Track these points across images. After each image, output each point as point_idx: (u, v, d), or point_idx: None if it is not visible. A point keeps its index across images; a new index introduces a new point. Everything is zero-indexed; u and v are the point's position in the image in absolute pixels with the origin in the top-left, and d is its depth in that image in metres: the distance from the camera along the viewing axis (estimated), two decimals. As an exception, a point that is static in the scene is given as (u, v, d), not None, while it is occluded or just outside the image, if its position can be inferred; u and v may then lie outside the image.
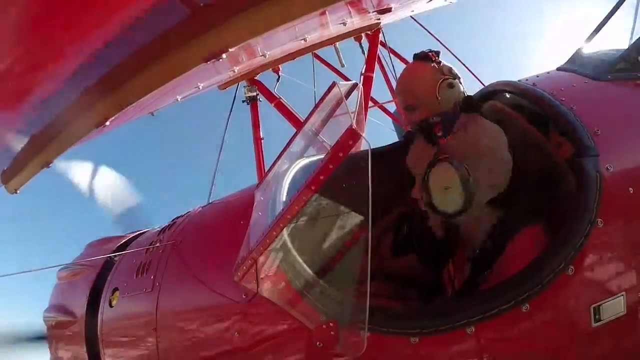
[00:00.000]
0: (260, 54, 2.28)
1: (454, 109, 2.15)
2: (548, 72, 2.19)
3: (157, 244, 2.41)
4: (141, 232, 3.07)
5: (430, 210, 1.71)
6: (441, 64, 2.11)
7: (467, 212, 1.65)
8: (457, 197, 1.62)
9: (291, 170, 2.04)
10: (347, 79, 4.32)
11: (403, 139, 2.91)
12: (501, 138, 1.72)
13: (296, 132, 2.37)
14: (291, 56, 2.79)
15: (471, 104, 1.87)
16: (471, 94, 2.20)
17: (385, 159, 2.74)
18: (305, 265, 1.74)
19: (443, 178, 1.64)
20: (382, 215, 2.54)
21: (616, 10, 2.20)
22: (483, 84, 2.68)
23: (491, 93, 2.21)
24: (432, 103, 2.17)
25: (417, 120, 2.04)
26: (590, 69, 1.99)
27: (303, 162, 2.10)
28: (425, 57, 2.16)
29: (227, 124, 4.03)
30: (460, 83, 2.10)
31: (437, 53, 2.17)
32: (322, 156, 1.46)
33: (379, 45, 4.14)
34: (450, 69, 2.11)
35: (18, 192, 1.67)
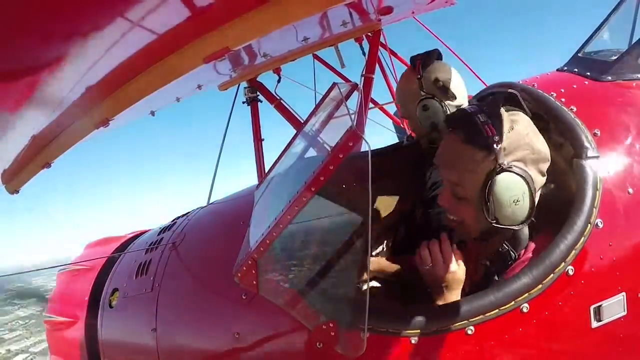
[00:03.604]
0: (261, 55, 2.29)
1: (429, 130, 2.17)
2: (548, 73, 2.19)
3: (157, 245, 2.41)
4: (141, 232, 3.07)
5: (487, 225, 1.54)
6: (422, 78, 2.13)
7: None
8: (525, 209, 1.49)
9: (291, 171, 2.04)
10: (347, 80, 4.33)
11: (407, 141, 2.92)
12: (539, 132, 1.57)
13: (296, 133, 2.37)
14: (292, 57, 2.78)
15: (508, 100, 1.64)
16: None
17: (386, 159, 2.75)
18: (305, 266, 1.74)
19: (514, 190, 1.48)
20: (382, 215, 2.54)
21: (616, 10, 2.20)
22: (485, 84, 2.68)
23: (492, 94, 2.21)
24: (416, 120, 2.23)
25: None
26: (591, 69, 1.99)
27: (303, 162, 2.10)
28: (413, 67, 2.19)
29: (227, 124, 4.03)
30: (446, 93, 2.10)
31: (428, 57, 2.18)
32: (322, 157, 1.46)
33: (380, 47, 4.15)
34: (434, 81, 2.12)
35: (18, 192, 1.67)
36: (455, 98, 2.13)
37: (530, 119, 1.59)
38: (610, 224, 1.53)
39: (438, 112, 2.10)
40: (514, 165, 1.48)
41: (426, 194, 2.27)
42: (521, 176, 1.47)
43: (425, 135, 2.22)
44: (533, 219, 1.53)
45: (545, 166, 1.54)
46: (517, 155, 1.49)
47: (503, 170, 1.47)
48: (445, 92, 2.11)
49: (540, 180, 1.53)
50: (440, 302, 1.59)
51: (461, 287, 1.62)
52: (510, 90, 1.63)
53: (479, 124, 1.50)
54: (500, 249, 1.65)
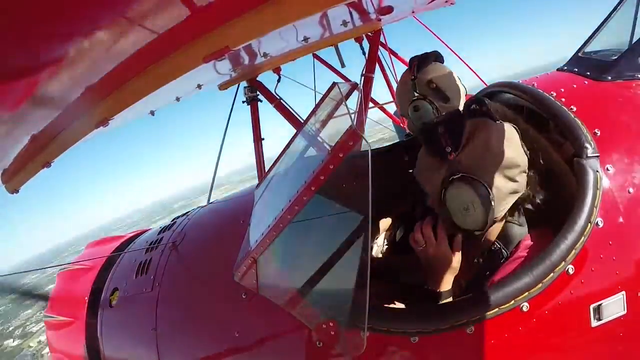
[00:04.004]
0: (261, 55, 2.29)
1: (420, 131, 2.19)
2: (548, 73, 2.19)
3: (157, 244, 2.41)
4: (141, 231, 3.08)
5: (453, 228, 1.60)
6: (416, 79, 2.15)
7: (491, 226, 1.58)
8: (479, 217, 1.53)
9: (291, 171, 2.04)
10: (347, 80, 4.33)
11: (406, 140, 2.92)
12: (514, 137, 1.60)
13: (296, 132, 2.37)
14: (292, 57, 2.79)
15: (474, 111, 1.68)
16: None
17: (386, 158, 2.75)
18: (305, 265, 1.74)
19: (461, 200, 1.53)
20: (382, 215, 2.54)
21: (616, 10, 2.20)
22: (485, 84, 2.68)
23: (491, 93, 2.21)
24: (410, 120, 2.25)
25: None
26: (591, 69, 1.99)
27: (303, 162, 2.10)
28: (409, 68, 2.21)
29: (227, 124, 4.04)
30: (439, 95, 2.11)
31: (425, 58, 2.19)
32: (322, 156, 1.46)
33: (380, 46, 4.15)
34: (428, 82, 2.13)
35: (18, 191, 1.67)
36: (449, 100, 2.13)
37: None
38: (611, 223, 1.53)
39: (428, 113, 2.11)
40: (466, 175, 1.52)
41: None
42: (471, 185, 1.50)
43: (418, 136, 2.24)
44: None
45: (513, 172, 1.55)
46: (476, 164, 1.53)
47: (453, 180, 1.53)
48: (437, 94, 2.12)
49: (510, 187, 1.56)
50: (433, 287, 1.64)
51: (454, 274, 1.66)
52: (478, 98, 1.67)
53: (439, 134, 1.56)
54: (492, 247, 1.67)
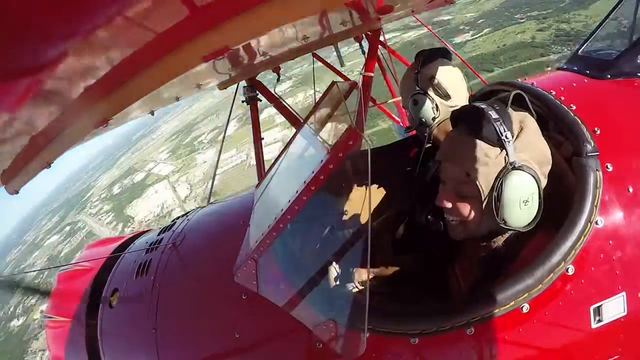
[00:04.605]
0: (260, 54, 2.28)
1: (417, 125, 2.20)
2: (548, 72, 2.19)
3: (157, 245, 2.41)
4: (141, 232, 3.07)
5: (491, 221, 1.51)
6: (419, 73, 2.15)
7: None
8: (533, 212, 1.48)
9: (291, 171, 2.04)
10: (347, 79, 4.32)
11: (405, 139, 2.92)
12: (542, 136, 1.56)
13: (296, 132, 2.37)
14: (292, 56, 2.78)
15: (515, 102, 1.59)
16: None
17: (386, 158, 2.75)
18: (305, 265, 1.74)
19: (524, 190, 1.45)
20: (381, 213, 2.54)
21: (616, 10, 2.20)
22: (485, 83, 2.68)
23: (491, 92, 2.21)
24: (409, 114, 2.26)
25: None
26: (590, 68, 1.99)
27: (303, 162, 2.10)
28: (415, 61, 2.21)
29: (227, 124, 4.03)
30: (439, 91, 2.11)
31: (431, 54, 2.19)
32: (322, 156, 1.46)
33: (379, 46, 4.15)
34: (430, 78, 2.13)
35: (18, 192, 1.67)
36: (450, 98, 2.13)
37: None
38: (611, 223, 1.53)
39: (427, 108, 2.11)
40: (525, 165, 1.46)
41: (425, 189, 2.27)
42: (532, 176, 1.45)
43: (416, 129, 2.25)
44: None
45: (547, 169, 1.54)
46: (526, 155, 1.48)
47: (515, 168, 1.45)
48: (439, 90, 2.12)
49: (543, 183, 1.53)
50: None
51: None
52: (517, 90, 1.60)
53: (491, 120, 1.48)
54: (496, 248, 1.65)
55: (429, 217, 1.90)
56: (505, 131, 1.46)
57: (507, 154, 1.46)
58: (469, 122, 1.54)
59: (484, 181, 1.51)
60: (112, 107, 1.22)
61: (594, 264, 1.50)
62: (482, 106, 1.53)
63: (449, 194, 1.61)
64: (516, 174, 1.45)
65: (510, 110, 1.53)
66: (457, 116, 1.63)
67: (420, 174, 2.35)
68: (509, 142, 1.46)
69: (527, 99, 1.59)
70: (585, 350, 1.55)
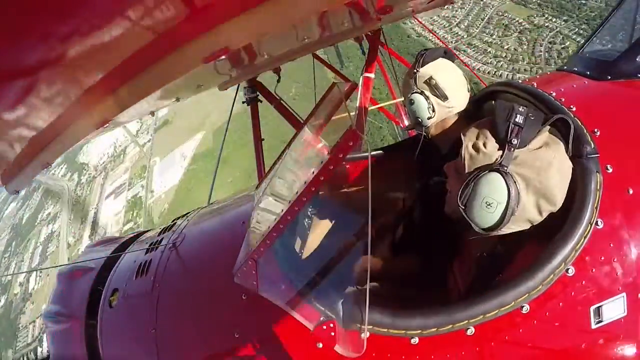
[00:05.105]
0: (261, 55, 2.28)
1: (413, 124, 2.22)
2: (548, 73, 2.19)
3: (157, 245, 2.41)
4: (141, 232, 3.08)
5: (459, 212, 1.55)
6: (417, 74, 2.15)
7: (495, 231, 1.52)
8: (492, 219, 1.49)
9: (291, 171, 2.04)
10: (347, 80, 4.33)
11: (406, 140, 2.92)
12: (567, 178, 1.52)
13: (296, 132, 2.37)
14: (292, 57, 2.78)
15: (556, 126, 1.57)
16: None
17: (384, 158, 2.75)
18: (305, 266, 1.74)
19: (492, 193, 1.47)
20: (381, 214, 2.54)
21: (616, 10, 2.20)
22: (484, 84, 2.68)
23: (491, 93, 2.21)
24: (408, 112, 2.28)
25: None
26: (590, 69, 1.99)
27: (303, 162, 2.10)
28: (415, 60, 2.22)
29: (227, 124, 4.04)
30: (436, 92, 2.11)
31: (431, 53, 2.19)
32: (322, 156, 1.46)
33: (380, 46, 4.15)
34: (428, 78, 2.13)
35: (18, 192, 1.67)
36: (447, 99, 2.13)
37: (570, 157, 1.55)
38: (611, 224, 1.53)
39: (423, 108, 2.11)
40: (512, 175, 1.47)
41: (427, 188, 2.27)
42: (509, 188, 1.45)
43: (413, 128, 2.26)
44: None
45: (546, 206, 1.49)
46: (526, 172, 1.48)
47: (499, 171, 1.48)
48: (436, 91, 2.12)
49: (532, 215, 1.50)
50: None
51: None
52: (563, 117, 1.58)
53: (511, 122, 1.50)
54: (494, 248, 1.66)
55: (435, 179, 1.93)
56: (515, 137, 1.48)
57: (502, 155, 1.49)
58: (498, 109, 1.56)
59: (469, 163, 1.56)
60: (112, 107, 1.23)
61: (594, 265, 1.50)
62: (519, 108, 1.54)
63: (453, 162, 1.67)
64: (495, 175, 1.48)
65: (543, 127, 1.53)
66: (498, 105, 1.65)
67: (420, 174, 2.35)
68: (512, 147, 1.48)
69: (572, 132, 1.56)
70: (585, 350, 1.55)
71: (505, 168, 1.47)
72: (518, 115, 1.51)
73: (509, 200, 1.46)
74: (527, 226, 1.54)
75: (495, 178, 1.47)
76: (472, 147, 1.56)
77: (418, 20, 4.53)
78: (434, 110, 2.11)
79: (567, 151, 1.54)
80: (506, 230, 1.52)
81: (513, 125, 1.49)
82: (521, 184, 1.47)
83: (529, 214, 1.50)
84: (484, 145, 1.53)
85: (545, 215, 1.52)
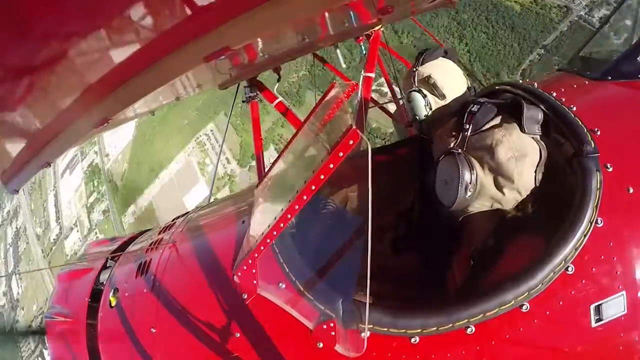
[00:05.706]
0: (261, 54, 2.28)
1: (411, 122, 2.25)
2: (549, 73, 2.20)
3: (157, 244, 2.41)
4: (141, 232, 3.08)
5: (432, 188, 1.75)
6: (416, 72, 2.17)
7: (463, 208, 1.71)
8: (450, 195, 1.66)
9: (291, 170, 2.04)
10: (347, 80, 4.32)
11: (406, 139, 2.92)
12: (529, 157, 1.65)
13: (296, 132, 2.37)
14: (292, 57, 2.78)
15: (509, 107, 1.75)
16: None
17: (385, 157, 2.75)
18: (305, 265, 1.74)
19: (446, 172, 1.66)
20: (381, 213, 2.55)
21: (616, 10, 2.20)
22: (484, 85, 2.68)
23: (492, 93, 2.21)
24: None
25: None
26: (591, 69, 1.99)
27: (303, 161, 2.10)
28: (415, 59, 2.22)
29: (227, 124, 4.03)
30: (434, 90, 2.13)
31: (431, 52, 2.20)
32: (322, 156, 1.46)
33: (380, 46, 4.15)
34: (427, 77, 2.14)
35: (18, 192, 1.67)
36: (445, 98, 2.13)
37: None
38: (611, 223, 1.53)
39: (420, 106, 2.12)
40: (464, 155, 1.66)
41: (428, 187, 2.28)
42: (461, 166, 1.64)
43: (412, 125, 2.28)
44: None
45: (506, 183, 1.64)
46: (477, 152, 1.67)
47: (450, 152, 1.69)
48: (434, 90, 2.12)
49: (493, 192, 1.67)
50: None
51: None
52: (514, 100, 1.75)
53: (468, 111, 1.74)
54: (487, 244, 1.71)
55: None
56: (469, 122, 1.72)
57: (456, 139, 1.74)
58: (459, 102, 1.82)
59: (438, 153, 1.82)
60: (112, 106, 1.23)
61: (594, 263, 1.51)
62: (480, 100, 1.77)
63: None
64: (448, 157, 1.69)
65: (497, 115, 1.72)
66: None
67: (420, 172, 2.35)
68: (465, 132, 1.72)
69: (523, 111, 1.68)
70: (585, 348, 1.55)
71: (458, 150, 1.68)
72: (474, 105, 1.74)
73: (459, 176, 1.63)
74: (494, 204, 1.70)
75: (448, 159, 1.68)
76: (444, 136, 1.82)
77: (417, 23, 4.53)
78: (431, 109, 2.12)
79: (522, 130, 1.67)
80: (473, 209, 1.72)
81: (468, 114, 1.73)
82: (476, 164, 1.66)
83: (490, 191, 1.67)
84: (450, 133, 1.80)
85: (510, 194, 1.66)
